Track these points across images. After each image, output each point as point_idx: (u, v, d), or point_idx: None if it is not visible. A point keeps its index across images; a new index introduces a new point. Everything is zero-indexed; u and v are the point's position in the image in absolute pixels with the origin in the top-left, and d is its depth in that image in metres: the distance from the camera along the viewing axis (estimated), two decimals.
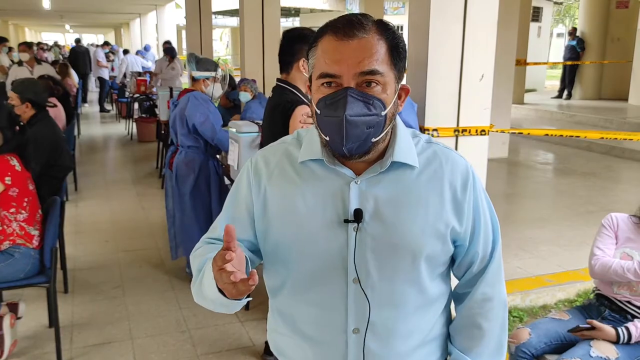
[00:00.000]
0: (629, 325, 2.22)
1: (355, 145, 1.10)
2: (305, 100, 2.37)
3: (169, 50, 9.95)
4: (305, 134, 1.25)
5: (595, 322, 2.24)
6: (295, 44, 2.42)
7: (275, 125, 2.40)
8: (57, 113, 5.49)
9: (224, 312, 1.18)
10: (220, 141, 3.66)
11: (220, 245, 1.22)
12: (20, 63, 8.18)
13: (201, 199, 3.78)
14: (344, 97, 1.07)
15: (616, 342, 2.19)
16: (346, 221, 1.14)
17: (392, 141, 1.18)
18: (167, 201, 3.98)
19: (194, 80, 3.83)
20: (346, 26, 1.09)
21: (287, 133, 2.11)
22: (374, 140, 1.11)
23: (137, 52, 13.81)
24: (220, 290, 1.06)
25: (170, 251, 4.00)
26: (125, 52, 13.93)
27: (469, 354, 1.26)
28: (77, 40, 14.91)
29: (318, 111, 1.11)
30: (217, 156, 3.91)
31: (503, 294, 1.28)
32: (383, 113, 1.10)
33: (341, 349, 1.20)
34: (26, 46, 8.52)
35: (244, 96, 5.17)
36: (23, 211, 2.93)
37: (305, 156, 1.19)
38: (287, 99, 2.38)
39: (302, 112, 2.26)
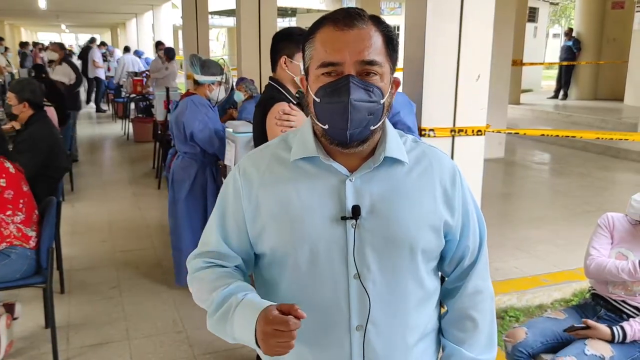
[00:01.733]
0: (624, 324, 2.23)
1: (357, 131, 1.12)
2: (289, 97, 2.36)
3: (167, 51, 9.93)
4: (293, 136, 1.25)
5: (590, 322, 2.25)
6: (279, 42, 2.43)
7: (258, 123, 2.38)
8: (50, 112, 5.48)
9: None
10: (219, 150, 3.49)
11: (230, 267, 1.24)
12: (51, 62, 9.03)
13: (195, 207, 3.64)
14: (346, 83, 1.10)
15: (611, 341, 2.21)
16: (343, 218, 1.16)
17: (382, 137, 1.21)
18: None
19: (196, 83, 3.66)
20: (346, 17, 1.12)
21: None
22: (372, 128, 1.14)
23: (135, 52, 13.71)
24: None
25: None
26: (127, 49, 13.79)
27: (462, 346, 1.28)
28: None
29: (317, 99, 1.13)
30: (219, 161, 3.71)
31: (491, 286, 1.33)
32: (382, 101, 1.14)
33: (345, 348, 1.20)
34: (58, 47, 9.11)
35: (238, 96, 5.17)
36: (20, 213, 2.92)
37: (298, 154, 1.19)
38: (268, 96, 2.37)
39: (278, 109, 2.23)
